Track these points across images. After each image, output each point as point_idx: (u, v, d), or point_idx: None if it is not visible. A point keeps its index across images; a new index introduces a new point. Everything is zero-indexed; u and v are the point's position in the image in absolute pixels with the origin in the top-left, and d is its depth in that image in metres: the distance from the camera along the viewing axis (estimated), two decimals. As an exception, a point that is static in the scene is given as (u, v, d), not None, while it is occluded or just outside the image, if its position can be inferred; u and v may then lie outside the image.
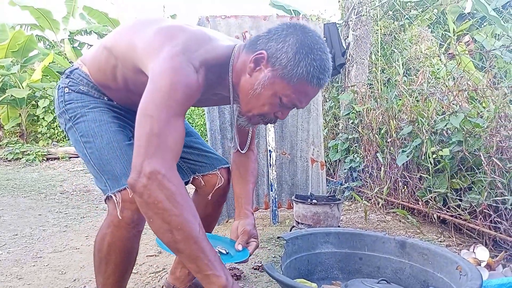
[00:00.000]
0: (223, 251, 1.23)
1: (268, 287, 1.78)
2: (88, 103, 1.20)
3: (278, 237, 1.67)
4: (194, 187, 1.51)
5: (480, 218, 2.22)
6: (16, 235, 2.53)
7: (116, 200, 1.09)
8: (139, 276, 1.88)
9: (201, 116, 7.06)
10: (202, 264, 0.87)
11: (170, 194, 0.88)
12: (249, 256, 1.23)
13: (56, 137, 7.60)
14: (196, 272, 0.89)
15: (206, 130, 2.99)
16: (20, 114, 7.44)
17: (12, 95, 6.87)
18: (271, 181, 2.93)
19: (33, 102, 7.52)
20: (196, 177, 1.47)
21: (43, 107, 7.29)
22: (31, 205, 3.43)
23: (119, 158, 1.14)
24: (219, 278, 0.87)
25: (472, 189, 2.36)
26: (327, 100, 4.43)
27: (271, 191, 2.92)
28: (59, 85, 1.24)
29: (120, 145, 1.15)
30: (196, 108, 6.59)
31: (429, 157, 2.57)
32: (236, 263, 1.27)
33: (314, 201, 2.48)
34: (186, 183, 1.48)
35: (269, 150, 2.92)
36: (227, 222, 2.85)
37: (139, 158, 0.91)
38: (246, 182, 1.41)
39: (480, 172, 2.28)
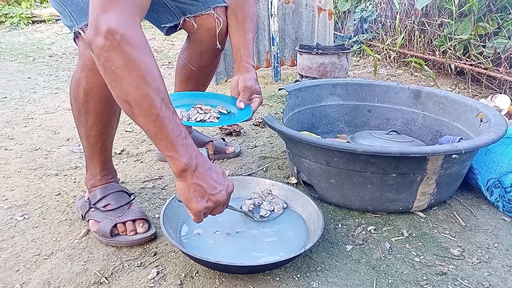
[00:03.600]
0: (224, 111, 1.10)
1: (269, 143, 1.70)
2: None
3: (280, 89, 1.50)
4: (186, 32, 1.28)
5: (504, 66, 2.01)
6: (6, 97, 2.40)
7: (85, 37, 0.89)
8: (134, 134, 1.81)
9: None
10: (161, 144, 0.75)
11: (129, 60, 0.69)
12: (253, 113, 1.09)
13: (39, -3, 6.95)
14: (160, 150, 0.78)
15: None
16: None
17: None
18: (273, 34, 2.64)
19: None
20: (187, 19, 1.22)
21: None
22: (19, 68, 3.24)
23: None
24: (177, 162, 0.75)
25: (500, 33, 2.08)
26: None
27: (273, 45, 2.66)
28: None
29: None
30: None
31: (455, -2, 2.22)
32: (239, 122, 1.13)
33: (320, 51, 2.24)
34: (176, 27, 1.24)
35: (270, -3, 2.56)
36: (226, 81, 2.67)
37: (95, 11, 0.70)
38: (245, 30, 1.19)
39: (513, 13, 1.98)
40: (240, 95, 1.11)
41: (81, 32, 0.92)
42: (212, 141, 1.52)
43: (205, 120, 1.04)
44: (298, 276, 0.89)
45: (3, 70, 3.14)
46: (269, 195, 1.14)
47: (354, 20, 3.50)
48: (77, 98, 0.99)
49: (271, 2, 2.57)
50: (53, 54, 3.80)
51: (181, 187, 0.79)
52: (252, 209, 1.09)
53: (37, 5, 6.72)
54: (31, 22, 5.73)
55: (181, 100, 1.13)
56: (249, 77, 1.12)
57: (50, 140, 1.75)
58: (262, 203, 1.10)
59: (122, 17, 0.70)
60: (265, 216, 1.06)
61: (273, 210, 1.08)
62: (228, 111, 1.11)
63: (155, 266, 0.92)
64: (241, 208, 1.07)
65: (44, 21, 5.78)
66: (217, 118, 1.06)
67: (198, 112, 1.06)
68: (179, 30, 1.27)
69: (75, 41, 0.97)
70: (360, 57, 3.48)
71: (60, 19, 5.70)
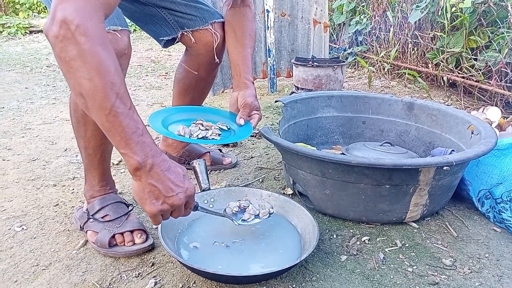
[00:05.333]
0: (225, 127, 1.10)
1: (265, 154, 1.72)
2: None
3: (276, 101, 1.53)
4: (184, 46, 1.31)
5: (495, 78, 2.05)
6: (3, 108, 2.42)
7: None
8: (132, 145, 1.82)
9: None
10: (115, 141, 0.72)
11: (83, 51, 0.68)
12: (253, 130, 1.10)
13: (37, 8, 7.00)
14: (115, 147, 0.75)
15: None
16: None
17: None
18: (269, 46, 2.68)
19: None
20: (185, 33, 1.25)
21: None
22: (16, 78, 3.25)
23: None
24: (131, 160, 0.72)
25: (490, 47, 2.13)
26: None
27: (269, 57, 2.70)
28: None
29: None
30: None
31: (446, 12, 2.27)
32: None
33: (316, 63, 2.28)
34: (174, 40, 1.27)
35: (267, 10, 2.60)
36: (222, 92, 2.71)
37: (56, 0, 0.69)
38: (243, 46, 1.21)
39: (503, 27, 2.03)
40: (240, 112, 1.12)
41: None
42: (209, 152, 1.54)
43: (207, 137, 1.04)
44: (294, 286, 0.90)
45: (0, 80, 3.16)
46: (260, 201, 1.13)
47: (349, 33, 3.56)
48: (76, 110, 1.01)
49: (268, 15, 2.61)
50: (51, 64, 3.82)
51: (136, 187, 0.76)
52: (236, 212, 1.06)
53: (34, 15, 6.76)
54: (28, 32, 5.77)
55: (181, 115, 1.13)
56: (249, 94, 1.13)
57: (48, 150, 1.76)
58: (248, 206, 1.08)
59: (81, 9, 0.68)
60: (247, 220, 1.04)
61: (258, 215, 1.06)
62: (228, 127, 1.11)
63: (153, 277, 0.93)
64: (224, 211, 1.05)
65: (41, 31, 5.81)
66: (219, 135, 1.06)
67: (199, 128, 1.06)
68: (176, 43, 1.30)
69: None
70: (355, 68, 3.53)
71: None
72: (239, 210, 1.07)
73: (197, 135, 1.03)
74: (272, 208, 1.08)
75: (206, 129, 1.06)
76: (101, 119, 0.71)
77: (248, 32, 1.22)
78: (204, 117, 1.13)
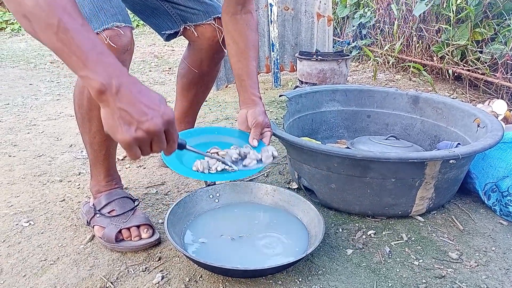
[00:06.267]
0: (238, 153, 1.03)
1: (270, 147, 1.72)
2: None
3: (281, 95, 1.53)
4: (187, 40, 1.31)
5: (501, 71, 2.04)
6: (8, 104, 2.43)
7: None
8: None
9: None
10: (72, 63, 0.63)
11: None
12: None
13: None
14: (74, 73, 0.66)
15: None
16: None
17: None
18: (272, 40, 2.67)
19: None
20: (188, 27, 1.25)
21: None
22: (21, 75, 3.26)
23: None
24: (92, 82, 0.62)
25: (496, 39, 2.11)
26: None
27: (272, 51, 2.69)
28: None
29: None
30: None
31: (451, 4, 2.25)
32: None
33: (320, 57, 2.27)
34: (176, 34, 1.27)
35: (270, 4, 2.59)
36: (226, 87, 2.70)
37: None
38: (248, 59, 1.12)
39: (509, 19, 2.00)
40: (251, 132, 1.06)
41: None
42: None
43: (226, 169, 0.99)
44: (300, 280, 0.91)
45: (5, 77, 3.17)
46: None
47: (353, 26, 3.54)
48: (81, 106, 1.01)
49: (271, 9, 2.60)
50: (54, 61, 3.82)
51: (104, 114, 0.65)
52: (236, 159, 1.00)
53: (37, 12, 6.75)
54: (31, 28, 5.76)
55: (193, 140, 1.08)
56: (259, 112, 1.07)
57: (53, 146, 1.77)
58: (249, 152, 1.01)
59: None
60: (249, 165, 0.98)
61: (261, 160, 1.00)
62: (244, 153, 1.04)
63: (160, 271, 0.94)
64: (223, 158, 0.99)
65: (44, 27, 5.82)
66: (237, 162, 1.02)
67: (217, 159, 1.00)
68: (179, 36, 1.29)
69: None
70: (359, 62, 3.51)
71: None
72: (240, 158, 1.01)
73: (216, 168, 0.98)
74: (276, 151, 1.01)
75: (223, 158, 1.01)
76: (51, 40, 0.62)
77: (252, 43, 1.13)
78: (215, 138, 1.09)
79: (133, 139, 0.64)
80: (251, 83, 1.11)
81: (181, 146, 0.80)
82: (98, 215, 1.07)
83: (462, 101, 2.26)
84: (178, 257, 0.99)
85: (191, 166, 1.01)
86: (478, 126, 1.27)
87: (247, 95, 1.10)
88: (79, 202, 1.26)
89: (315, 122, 1.63)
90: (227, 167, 0.99)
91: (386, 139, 1.44)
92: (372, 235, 1.08)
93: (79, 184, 1.40)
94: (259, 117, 1.06)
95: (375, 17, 3.25)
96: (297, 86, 2.42)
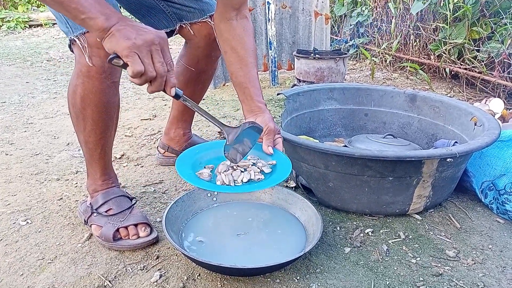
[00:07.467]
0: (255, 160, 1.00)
1: (268, 146, 1.72)
2: None
3: (278, 94, 1.53)
4: (184, 38, 1.30)
5: (498, 70, 2.04)
6: (5, 102, 2.42)
7: (81, 44, 0.91)
8: (134, 139, 1.82)
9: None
10: (71, 9, 0.71)
11: None
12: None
13: (36, 1, 6.94)
14: (74, 21, 0.74)
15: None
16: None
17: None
18: (270, 38, 2.67)
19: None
20: (184, 26, 1.24)
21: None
22: (17, 73, 3.25)
23: None
24: (94, 21, 0.71)
25: (493, 38, 2.12)
26: None
27: (270, 49, 2.69)
28: None
29: None
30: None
31: (449, 3, 2.26)
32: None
33: (318, 55, 2.27)
34: (172, 32, 1.26)
35: (268, 2, 2.59)
36: (224, 85, 2.70)
37: None
38: (249, 66, 1.08)
39: (506, 18, 2.01)
40: (264, 140, 1.02)
41: (76, 40, 0.93)
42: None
43: (252, 179, 0.95)
44: (298, 278, 0.91)
45: (1, 75, 3.15)
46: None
47: (350, 25, 3.54)
48: (75, 105, 1.01)
49: (269, 7, 2.60)
50: (51, 59, 3.81)
51: (108, 42, 0.73)
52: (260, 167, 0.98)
53: (33, 9, 6.72)
54: (28, 26, 5.74)
55: (206, 154, 1.03)
56: (268, 119, 1.03)
57: (50, 145, 1.76)
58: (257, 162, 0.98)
59: None
60: (254, 179, 0.95)
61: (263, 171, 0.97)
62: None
63: (158, 269, 0.94)
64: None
65: (41, 25, 5.79)
66: (260, 172, 0.98)
67: (241, 171, 0.96)
68: (175, 35, 1.29)
69: (70, 47, 0.98)
70: (356, 60, 3.52)
71: (56, 23, 5.75)
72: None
73: (242, 179, 0.94)
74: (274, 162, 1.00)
75: (246, 169, 0.97)
76: None
77: (251, 49, 1.10)
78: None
79: (132, 43, 0.71)
80: (255, 91, 1.06)
81: (177, 96, 0.83)
82: (95, 214, 1.07)
83: (459, 99, 2.27)
84: (176, 255, 0.99)
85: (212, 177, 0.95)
86: (475, 124, 1.28)
87: (252, 103, 1.06)
88: (77, 200, 1.26)
89: (313, 120, 1.63)
90: (253, 176, 0.95)
91: (383, 138, 1.44)
92: (370, 233, 1.08)
93: (77, 183, 1.39)
94: (270, 124, 1.01)
95: (372, 16, 3.25)
96: (294, 85, 2.42)
